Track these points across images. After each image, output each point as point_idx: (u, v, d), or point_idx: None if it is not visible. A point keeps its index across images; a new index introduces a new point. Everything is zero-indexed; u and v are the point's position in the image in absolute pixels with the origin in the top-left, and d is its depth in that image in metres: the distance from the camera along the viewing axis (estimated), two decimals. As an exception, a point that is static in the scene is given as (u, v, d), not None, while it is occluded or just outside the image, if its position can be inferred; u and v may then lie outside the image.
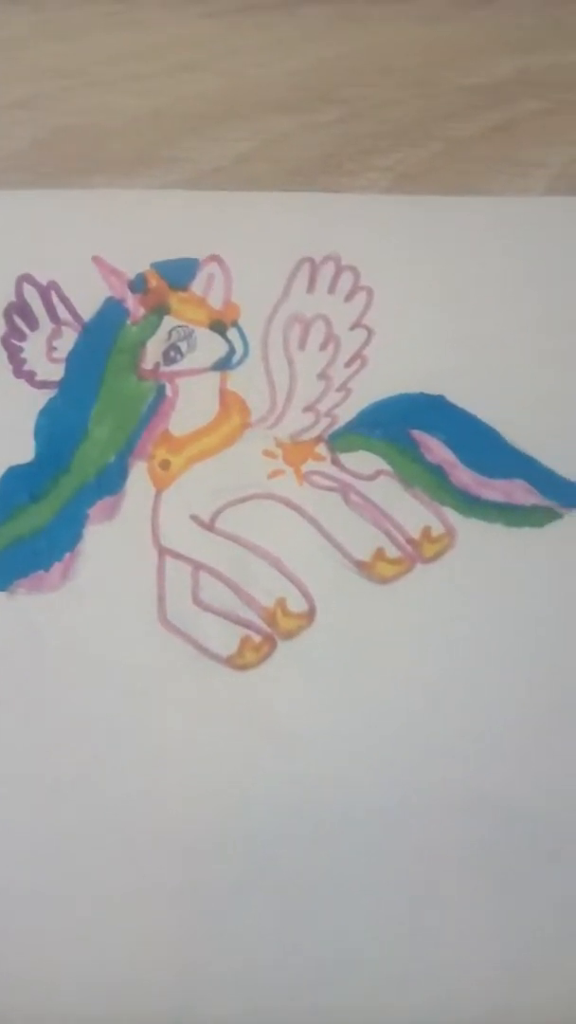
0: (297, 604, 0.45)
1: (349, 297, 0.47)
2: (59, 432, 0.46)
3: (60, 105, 0.50)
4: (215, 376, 0.47)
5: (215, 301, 0.47)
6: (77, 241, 0.47)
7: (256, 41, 0.51)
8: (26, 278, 0.47)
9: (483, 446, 0.46)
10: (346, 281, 0.47)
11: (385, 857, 0.43)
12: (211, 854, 0.43)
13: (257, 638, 0.45)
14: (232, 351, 0.47)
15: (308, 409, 0.47)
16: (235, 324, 0.47)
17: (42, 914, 0.44)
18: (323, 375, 0.47)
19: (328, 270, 0.48)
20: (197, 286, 0.47)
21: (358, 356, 0.47)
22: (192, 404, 0.47)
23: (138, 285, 0.47)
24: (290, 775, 0.44)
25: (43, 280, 0.47)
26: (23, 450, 0.46)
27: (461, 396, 0.46)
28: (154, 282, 0.47)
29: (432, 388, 0.46)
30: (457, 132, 0.50)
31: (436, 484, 0.46)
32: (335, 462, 0.46)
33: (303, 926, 0.43)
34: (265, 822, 0.43)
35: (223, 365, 0.47)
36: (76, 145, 0.49)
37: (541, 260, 0.48)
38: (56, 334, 0.47)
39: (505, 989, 0.43)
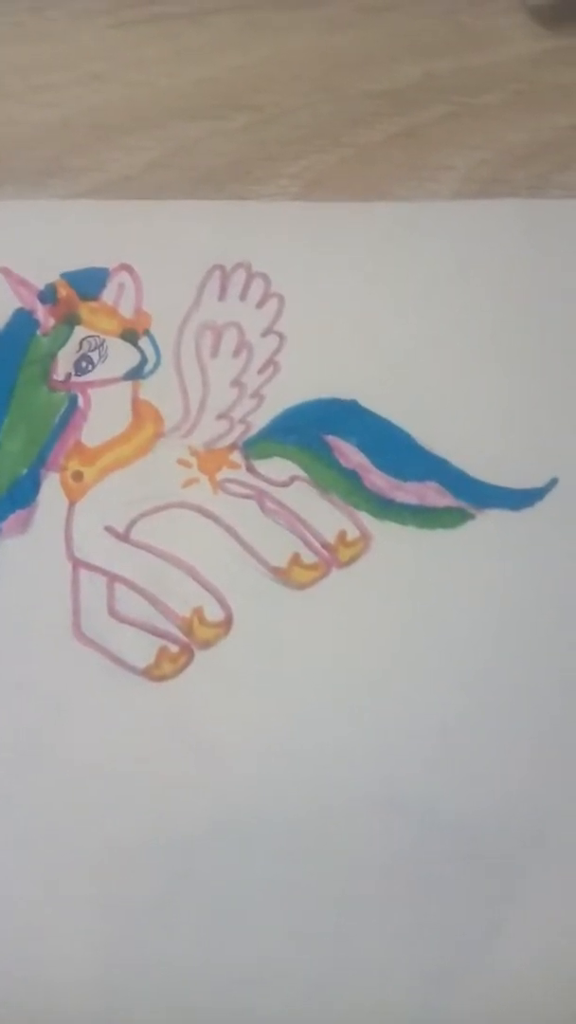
0: (214, 613, 0.44)
1: (260, 304, 0.46)
2: (-30, 445, 0.44)
3: (-35, 116, 0.48)
4: (127, 385, 0.45)
5: (126, 310, 0.46)
6: (-15, 253, 0.46)
7: (164, 50, 0.50)
8: None
9: (395, 449, 0.45)
10: (257, 288, 0.46)
11: (306, 862, 0.42)
12: (131, 865, 0.42)
13: (174, 648, 0.43)
14: (144, 360, 0.46)
15: (222, 416, 0.45)
16: (147, 333, 0.46)
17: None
18: (236, 382, 0.46)
19: (239, 277, 0.46)
20: (108, 295, 0.46)
21: (271, 362, 0.46)
22: (105, 414, 0.45)
23: (48, 296, 0.46)
24: (211, 784, 0.42)
25: (-48, 292, 0.45)
26: None
27: (373, 400, 0.45)
28: (64, 292, 0.46)
29: (344, 393, 0.45)
30: (364, 138, 0.49)
31: (350, 488, 0.45)
32: (250, 469, 0.45)
33: (224, 934, 0.41)
34: (186, 832, 0.42)
35: (135, 374, 0.45)
36: (-18, 156, 0.48)
37: (451, 264, 0.47)
38: (-34, 346, 0.45)
39: (428, 993, 0.41)
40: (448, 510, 0.45)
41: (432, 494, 0.45)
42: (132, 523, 0.44)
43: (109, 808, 0.42)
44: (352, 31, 0.50)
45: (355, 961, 0.41)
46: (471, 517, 0.45)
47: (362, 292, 0.47)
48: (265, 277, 0.46)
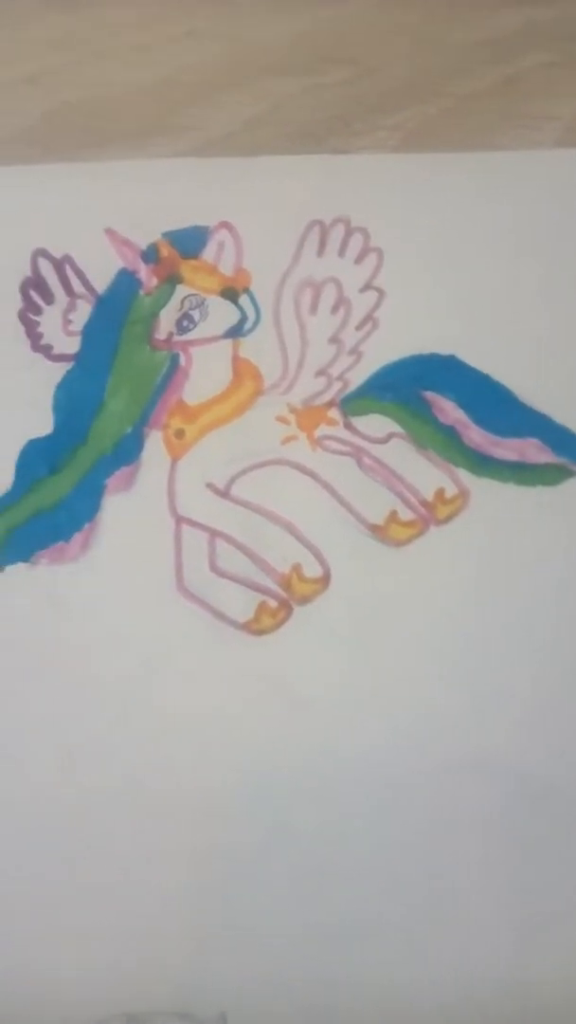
0: (312, 569, 0.44)
1: (359, 259, 0.45)
2: (76, 405, 0.45)
3: (67, 79, 0.48)
4: (228, 344, 0.45)
5: (226, 268, 0.45)
6: (89, 214, 0.46)
7: (259, 6, 0.49)
8: (41, 252, 0.46)
9: (495, 405, 0.44)
10: (356, 243, 0.45)
11: (398, 820, 0.42)
12: (226, 816, 0.43)
13: (273, 603, 0.43)
14: (244, 318, 0.45)
15: (320, 374, 0.45)
16: (247, 291, 0.45)
17: (61, 873, 0.43)
18: (334, 339, 0.45)
19: (338, 232, 0.45)
20: (208, 254, 0.46)
21: (369, 318, 0.45)
22: (205, 373, 0.45)
23: (150, 255, 0.46)
24: (306, 737, 0.43)
25: (57, 254, 0.46)
26: (42, 423, 0.45)
27: (473, 355, 0.44)
28: (166, 252, 0.46)
29: (443, 348, 0.45)
30: (465, 88, 0.47)
31: (449, 445, 0.44)
32: (348, 426, 0.44)
33: (318, 888, 0.42)
34: (281, 784, 0.43)
35: (235, 332, 0.45)
36: (85, 118, 0.48)
37: (553, 213, 0.46)
38: (71, 307, 0.45)
39: (520, 955, 0.41)
40: (548, 467, 0.44)
41: (532, 450, 0.44)
42: (232, 480, 0.44)
43: (206, 759, 0.43)
44: (453, -22, 0.49)
45: (447, 918, 0.42)
46: (572, 474, 0.44)
47: (462, 245, 0.45)
48: (364, 232, 0.45)
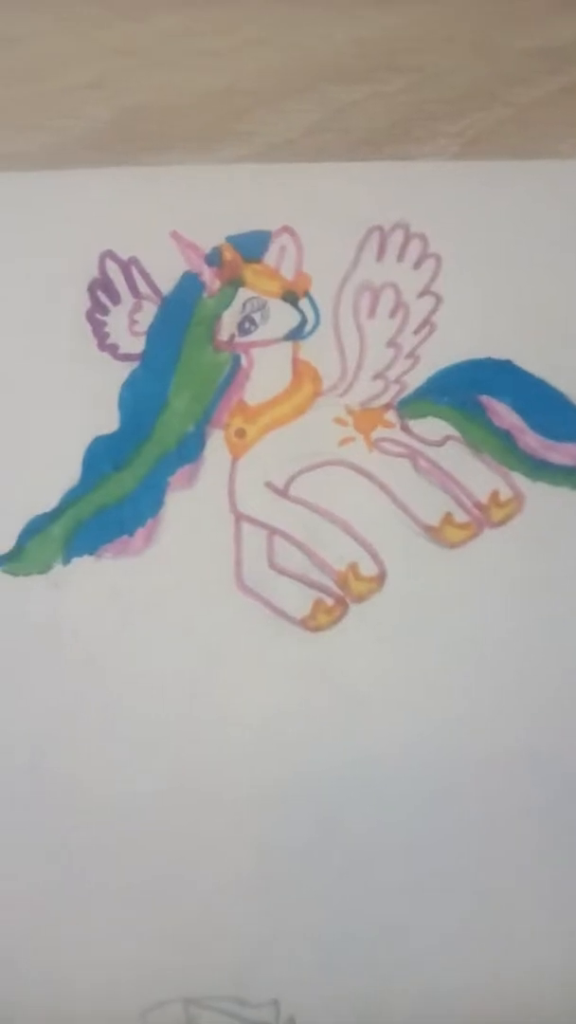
0: (368, 568, 0.44)
1: (418, 264, 0.46)
2: (141, 403, 0.46)
3: (133, 84, 0.49)
4: (288, 346, 0.46)
5: (287, 272, 0.46)
6: (155, 217, 0.47)
7: (321, 12, 0.49)
8: (108, 254, 0.46)
9: (551, 410, 0.45)
10: (415, 248, 0.46)
11: (451, 819, 0.43)
12: (281, 812, 0.43)
13: (330, 601, 0.44)
14: (304, 321, 0.46)
15: (378, 376, 0.46)
16: (307, 294, 0.46)
17: (120, 862, 0.44)
18: (392, 342, 0.46)
19: (397, 238, 0.46)
20: (270, 258, 0.46)
21: (427, 323, 0.46)
22: (266, 374, 0.46)
23: (213, 258, 0.46)
24: (360, 735, 0.44)
25: (124, 256, 0.46)
26: (108, 421, 0.46)
27: (529, 361, 0.45)
28: (229, 255, 0.46)
29: (500, 353, 0.45)
30: (523, 96, 0.48)
31: (504, 449, 0.45)
32: (404, 428, 0.45)
33: (369, 885, 0.43)
34: (334, 781, 0.43)
35: (295, 335, 0.46)
36: (149, 123, 0.48)
37: (612, 222, 0.46)
38: (137, 308, 0.46)
39: (569, 949, 0.42)
40: (603, 472, 0.44)
41: (587, 455, 0.44)
42: (291, 479, 0.45)
43: (262, 753, 0.44)
44: (508, -12, 0.49)
45: (496, 914, 0.42)
46: (627, 479, 0.44)
47: (519, 252, 0.46)
48: (423, 237, 0.46)
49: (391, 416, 0.45)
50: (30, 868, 0.44)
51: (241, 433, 0.46)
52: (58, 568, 0.45)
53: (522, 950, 0.43)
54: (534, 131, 0.47)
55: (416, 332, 0.46)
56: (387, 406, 0.45)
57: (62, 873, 0.44)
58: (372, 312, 0.46)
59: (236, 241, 0.46)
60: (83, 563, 0.45)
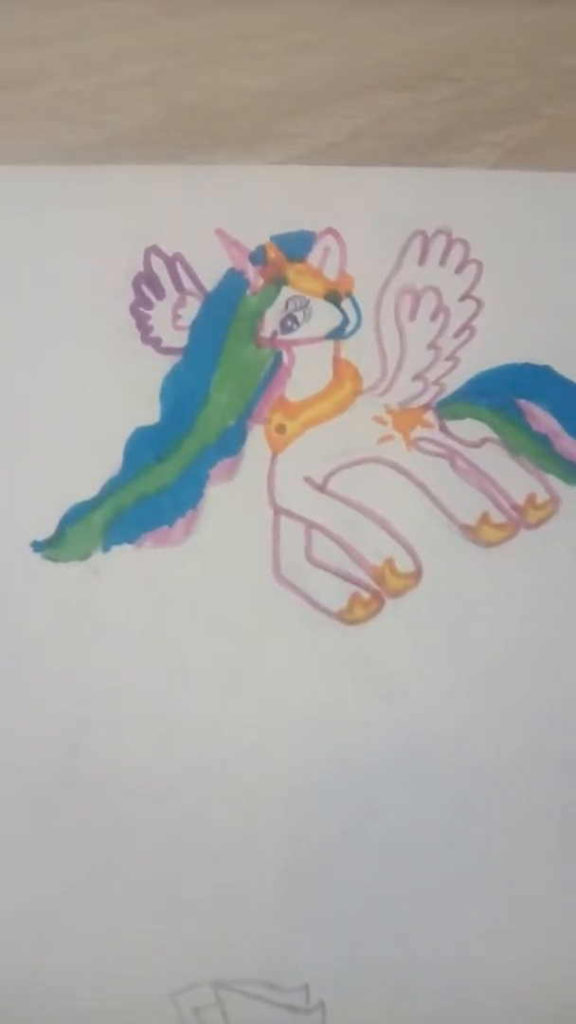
0: (405, 564, 0.44)
1: (459, 269, 0.46)
2: (183, 396, 0.45)
3: (181, 83, 0.48)
4: (329, 345, 0.46)
5: (330, 272, 0.46)
6: (201, 215, 0.46)
7: (371, 21, 0.49)
8: (153, 249, 0.46)
9: (588, 416, 0.44)
10: (457, 253, 0.46)
11: (484, 811, 0.42)
12: (315, 802, 0.43)
13: (366, 595, 0.44)
14: (346, 321, 0.45)
15: (417, 377, 0.45)
16: (349, 295, 0.46)
17: (157, 847, 0.44)
18: (433, 345, 0.45)
19: (439, 243, 0.46)
20: (313, 258, 0.46)
21: (467, 327, 0.45)
22: (307, 371, 0.45)
23: (258, 257, 0.46)
24: (394, 727, 0.43)
25: (169, 252, 0.46)
26: (149, 413, 0.45)
27: (567, 366, 0.45)
28: (273, 254, 0.46)
29: (539, 359, 0.45)
30: (563, 110, 0.48)
31: (541, 452, 0.44)
32: (443, 429, 0.45)
33: (402, 876, 0.42)
34: (368, 772, 0.43)
35: (337, 334, 0.45)
36: (196, 121, 0.48)
37: None
38: (181, 303, 0.46)
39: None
40: None
41: (623, 461, 0.44)
42: (330, 475, 0.45)
43: (298, 743, 0.43)
44: (553, 7, 0.49)
45: (526, 906, 0.42)
46: None
47: (558, 260, 0.46)
48: (465, 243, 0.46)
49: (430, 416, 0.45)
50: (66, 852, 0.44)
51: (281, 429, 0.45)
52: (97, 555, 0.45)
53: (551, 945, 0.42)
54: (571, 143, 0.47)
55: (456, 335, 0.45)
56: (426, 406, 0.45)
57: (97, 858, 0.44)
58: (413, 314, 0.45)
59: (280, 240, 0.46)
60: (122, 551, 0.45)
